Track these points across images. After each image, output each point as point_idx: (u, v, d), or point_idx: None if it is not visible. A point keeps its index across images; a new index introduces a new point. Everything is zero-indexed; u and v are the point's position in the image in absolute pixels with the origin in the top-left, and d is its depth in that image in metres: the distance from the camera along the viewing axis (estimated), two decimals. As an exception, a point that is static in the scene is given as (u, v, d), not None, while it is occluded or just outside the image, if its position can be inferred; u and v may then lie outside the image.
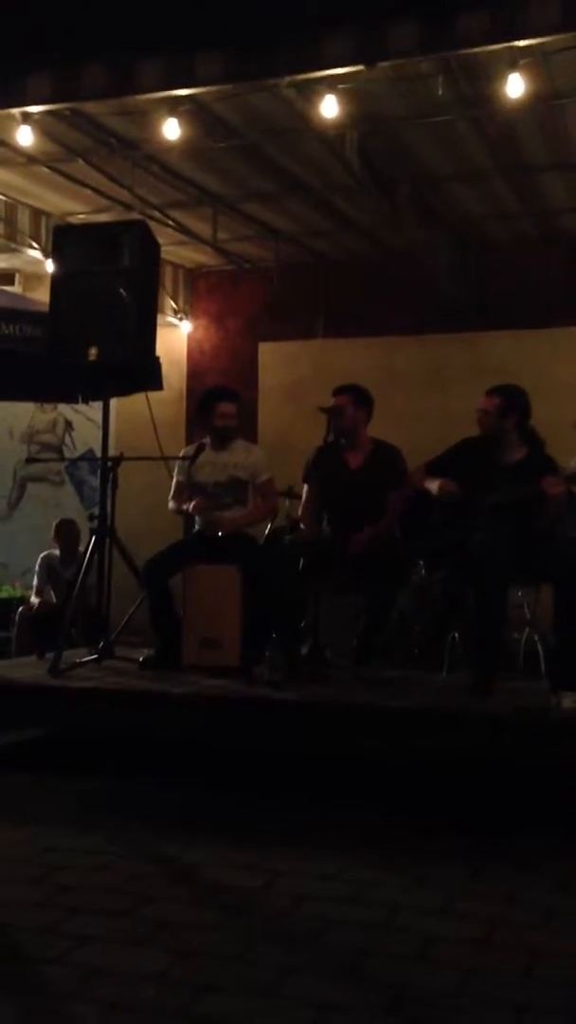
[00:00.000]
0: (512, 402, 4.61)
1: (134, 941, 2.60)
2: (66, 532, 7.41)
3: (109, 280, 4.92)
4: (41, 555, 7.50)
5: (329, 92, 5.03)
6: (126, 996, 2.28)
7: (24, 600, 7.71)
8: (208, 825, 3.71)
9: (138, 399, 5.74)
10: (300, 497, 5.35)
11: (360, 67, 4.77)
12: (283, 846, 3.42)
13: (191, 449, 5.40)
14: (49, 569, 7.38)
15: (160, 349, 5.49)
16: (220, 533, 5.11)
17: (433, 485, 4.68)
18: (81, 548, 7.08)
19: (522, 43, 4.58)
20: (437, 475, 4.71)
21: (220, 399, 5.37)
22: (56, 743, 4.90)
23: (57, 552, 7.40)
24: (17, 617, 7.34)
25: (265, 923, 2.79)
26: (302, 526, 5.20)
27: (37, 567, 7.48)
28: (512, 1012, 2.24)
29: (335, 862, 3.26)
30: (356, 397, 5.03)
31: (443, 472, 4.71)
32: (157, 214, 7.22)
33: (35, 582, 7.50)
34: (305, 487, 5.16)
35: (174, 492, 5.40)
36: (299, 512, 5.35)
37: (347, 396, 5.02)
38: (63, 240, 5.32)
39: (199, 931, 2.68)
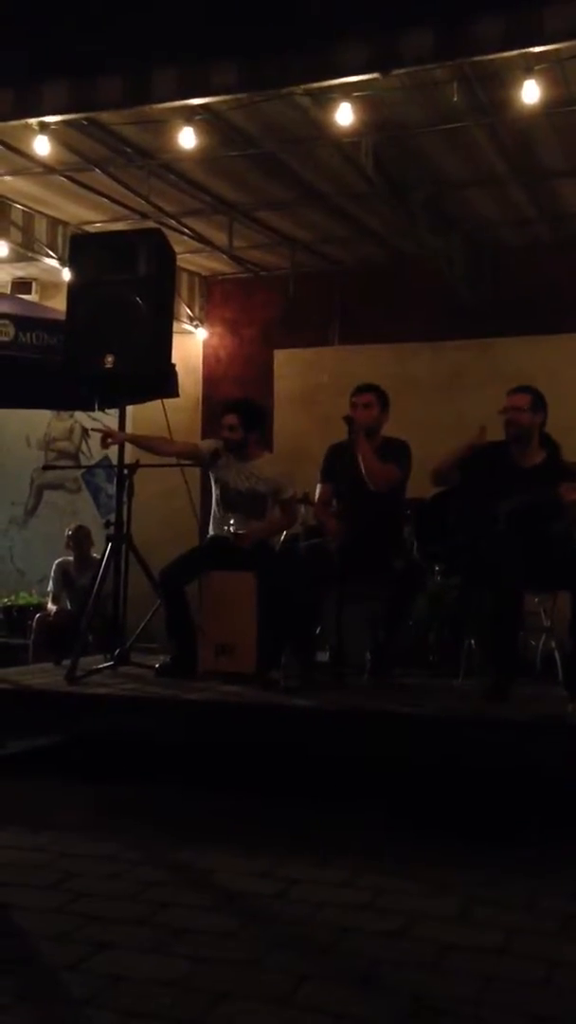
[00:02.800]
0: (539, 399, 4.62)
1: (150, 948, 2.60)
2: (79, 538, 7.44)
3: (125, 288, 4.95)
4: (56, 562, 7.53)
5: (344, 100, 5.04)
6: (142, 1003, 2.28)
7: (41, 607, 7.74)
8: (224, 831, 3.71)
9: (154, 406, 5.76)
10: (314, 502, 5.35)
11: (375, 75, 4.78)
12: (299, 852, 3.42)
13: (211, 443, 5.39)
14: (64, 576, 7.41)
15: (176, 356, 5.50)
16: (246, 546, 5.11)
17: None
18: (95, 554, 7.12)
19: (537, 49, 4.57)
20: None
21: (223, 412, 5.39)
22: (72, 749, 4.91)
23: (71, 559, 7.43)
24: (35, 624, 7.37)
25: (281, 931, 2.78)
26: (322, 522, 5.17)
27: (52, 574, 7.51)
28: (530, 1021, 2.23)
29: (351, 869, 3.25)
30: (379, 397, 5.03)
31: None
32: (173, 222, 7.25)
33: (50, 589, 7.53)
34: (319, 486, 5.15)
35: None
36: (314, 510, 5.33)
37: (373, 395, 5.01)
38: (80, 249, 5.35)
39: (215, 938, 2.68)
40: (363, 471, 4.84)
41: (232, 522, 5.20)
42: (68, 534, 7.53)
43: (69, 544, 7.47)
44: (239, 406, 5.38)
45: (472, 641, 5.13)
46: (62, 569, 7.44)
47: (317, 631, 5.06)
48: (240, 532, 5.14)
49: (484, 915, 2.89)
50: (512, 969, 2.51)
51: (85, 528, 7.54)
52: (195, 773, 4.39)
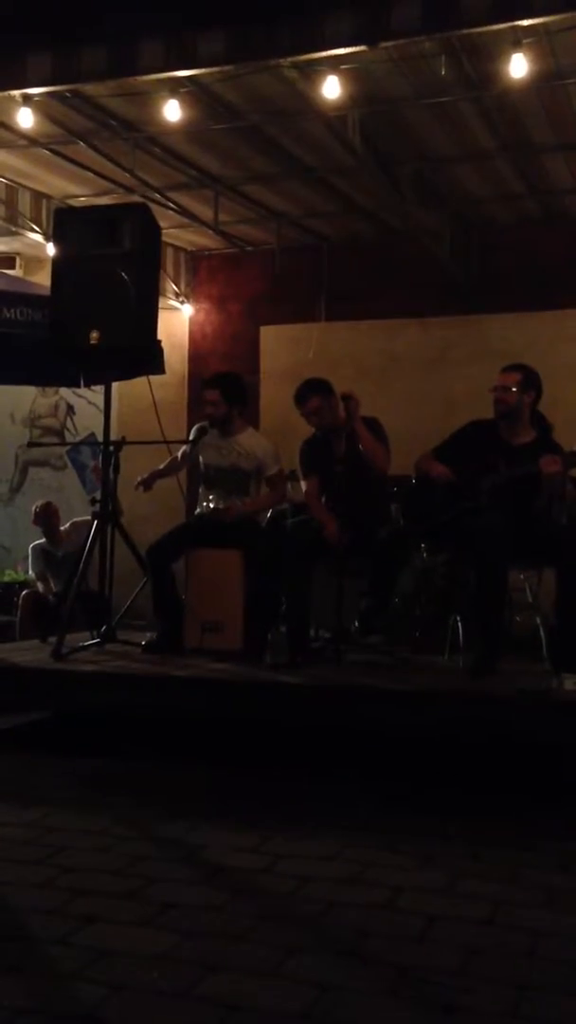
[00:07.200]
0: (530, 378, 4.62)
1: (138, 922, 2.62)
2: (44, 515, 7.40)
3: (110, 263, 4.90)
4: (31, 546, 7.48)
5: (331, 72, 5.00)
6: (131, 976, 2.29)
7: (27, 584, 7.71)
8: (211, 807, 3.73)
9: (140, 383, 5.72)
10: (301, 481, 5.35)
11: (362, 47, 4.73)
12: (285, 827, 3.44)
13: (195, 431, 5.42)
14: (44, 557, 7.36)
15: (162, 332, 5.47)
16: (228, 521, 5.11)
17: (433, 470, 4.69)
18: (63, 527, 7.14)
19: (525, 22, 4.54)
20: (444, 460, 4.70)
21: (204, 388, 5.42)
22: (60, 726, 4.92)
23: (44, 540, 7.39)
24: (20, 601, 7.36)
25: (268, 904, 2.80)
26: (322, 523, 5.19)
27: (31, 559, 7.46)
28: (514, 991, 2.25)
29: (337, 843, 3.27)
30: (324, 392, 5.01)
31: (451, 456, 4.69)
32: (158, 196, 7.19)
33: (31, 573, 7.50)
34: (304, 482, 5.16)
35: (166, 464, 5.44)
36: (305, 501, 5.33)
37: (318, 396, 5.00)
38: (64, 223, 5.29)
39: (202, 912, 2.69)
40: (362, 455, 4.83)
41: (211, 497, 5.20)
42: (35, 511, 7.47)
43: (36, 521, 7.41)
44: (219, 380, 5.39)
45: (457, 617, 5.15)
46: (40, 550, 7.39)
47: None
48: (219, 507, 5.14)
49: (470, 887, 2.91)
50: (497, 940, 2.54)
51: (53, 505, 7.49)
52: (182, 749, 4.40)
